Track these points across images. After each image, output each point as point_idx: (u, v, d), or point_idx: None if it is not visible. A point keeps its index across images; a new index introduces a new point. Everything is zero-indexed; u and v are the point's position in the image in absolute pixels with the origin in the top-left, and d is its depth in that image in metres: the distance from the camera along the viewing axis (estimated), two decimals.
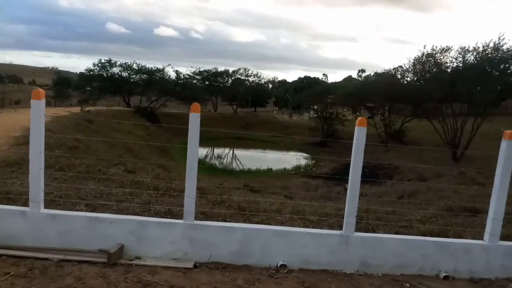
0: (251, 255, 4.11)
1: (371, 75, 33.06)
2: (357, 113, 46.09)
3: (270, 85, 74.28)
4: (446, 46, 22.50)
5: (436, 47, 22.97)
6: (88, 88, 37.71)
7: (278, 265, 4.05)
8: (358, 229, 6.03)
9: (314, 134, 35.82)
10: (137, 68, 35.39)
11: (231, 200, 6.72)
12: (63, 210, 4.53)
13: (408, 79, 27.33)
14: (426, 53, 23.34)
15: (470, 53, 21.11)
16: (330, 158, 25.97)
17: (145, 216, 5.11)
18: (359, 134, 4.10)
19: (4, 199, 5.17)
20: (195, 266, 3.97)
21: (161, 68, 35.36)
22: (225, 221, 5.41)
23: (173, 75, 35.74)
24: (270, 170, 21.92)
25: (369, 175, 22.34)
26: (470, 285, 4.11)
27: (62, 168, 7.34)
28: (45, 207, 4.06)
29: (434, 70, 23.58)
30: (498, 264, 4.24)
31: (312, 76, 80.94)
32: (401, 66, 26.94)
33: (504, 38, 20.72)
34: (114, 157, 10.37)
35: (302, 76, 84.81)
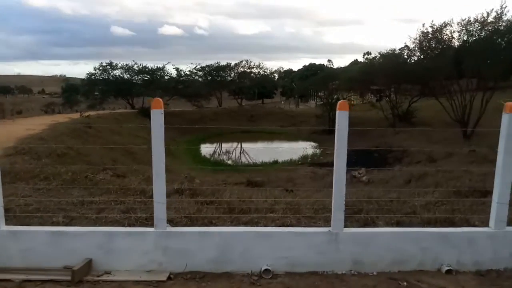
0: (231, 262, 3.75)
1: (377, 57, 32.05)
2: (365, 97, 45.36)
3: (276, 76, 73.56)
4: (445, 22, 21.62)
5: (434, 24, 22.06)
6: (96, 93, 37.58)
7: (262, 270, 3.68)
8: (356, 221, 5.66)
9: (320, 122, 35.21)
10: (138, 69, 35.14)
11: (222, 199, 6.35)
12: (31, 225, 4.23)
13: (415, 58, 26.49)
14: (425, 30, 22.50)
15: (473, 25, 20.23)
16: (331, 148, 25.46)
17: (124, 224, 4.80)
18: (341, 119, 3.70)
19: None
20: (169, 277, 3.62)
21: (161, 66, 35.11)
22: (211, 223, 5.06)
23: (174, 73, 35.49)
24: (276, 162, 21.51)
25: (379, 159, 21.89)
26: (475, 278, 3.69)
27: (47, 177, 7.07)
28: (19, 223, 3.77)
29: (440, 46, 22.74)
30: (507, 253, 3.80)
31: (317, 63, 79.54)
32: (407, 46, 26.04)
33: (506, 7, 19.84)
34: (108, 162, 10.08)
35: (307, 64, 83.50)
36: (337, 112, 3.69)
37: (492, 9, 19.88)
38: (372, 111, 32.19)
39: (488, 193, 7.86)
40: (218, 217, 5.38)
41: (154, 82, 33.88)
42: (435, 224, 5.56)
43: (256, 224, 5.08)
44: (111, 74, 36.19)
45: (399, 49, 27.43)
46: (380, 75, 28.19)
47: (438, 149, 18.58)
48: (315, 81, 37.31)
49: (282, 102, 67.16)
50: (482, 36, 21.10)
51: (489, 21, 19.87)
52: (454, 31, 21.68)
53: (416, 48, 24.55)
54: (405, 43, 37.05)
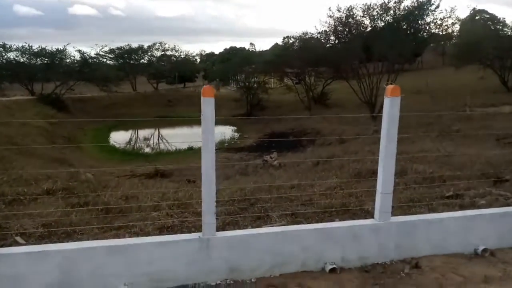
0: (78, 285, 3.03)
1: (295, 41, 32.24)
2: (283, 80, 45.87)
3: (198, 59, 71.77)
4: (351, 6, 22.25)
5: (340, 8, 22.54)
6: None
7: None
8: (250, 215, 5.22)
9: (239, 105, 34.92)
10: (35, 51, 31.51)
11: (101, 198, 5.51)
12: None
13: (331, 42, 27.01)
14: (335, 15, 22.94)
15: (375, 10, 21.05)
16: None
17: None
18: (206, 107, 3.10)
19: None
20: None
21: (61, 48, 31.83)
22: (75, 232, 4.26)
23: (77, 55, 32.47)
24: (191, 148, 20.70)
25: (294, 141, 22.13)
26: (360, 275, 3.39)
27: None
28: None
29: (353, 31, 23.33)
30: (392, 244, 3.56)
31: (239, 46, 78.96)
32: (325, 31, 26.35)
33: None
34: None
35: (228, 47, 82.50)
36: (202, 98, 3.10)
37: None
38: (288, 94, 32.59)
39: None
40: (87, 222, 4.59)
41: (54, 66, 30.62)
42: (331, 213, 5.35)
43: (130, 228, 4.39)
44: (5, 57, 32.12)
45: (318, 33, 27.86)
46: (296, 58, 28.46)
47: (350, 129, 19.23)
48: (232, 64, 36.77)
49: (204, 86, 65.75)
50: (387, 21, 22.06)
51: (389, 6, 20.71)
52: (362, 16, 22.37)
53: (331, 33, 25.04)
54: (315, 26, 37.83)
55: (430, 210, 5.10)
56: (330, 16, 22.75)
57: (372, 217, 3.66)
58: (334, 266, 3.41)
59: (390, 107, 3.40)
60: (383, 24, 22.10)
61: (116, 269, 3.08)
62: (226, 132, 27.09)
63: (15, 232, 3.99)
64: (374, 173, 7.74)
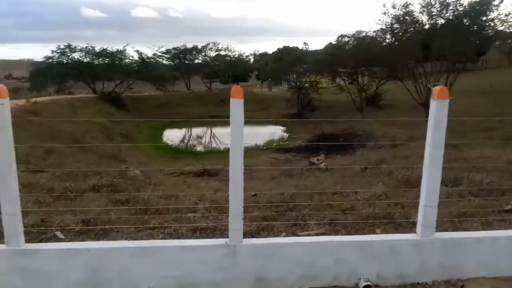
0: (107, 283, 3.06)
1: (349, 40, 31.36)
2: (337, 80, 44.87)
3: (252, 59, 72.54)
4: (407, 2, 21.11)
5: (395, 5, 21.50)
6: (55, 78, 35.36)
7: None
8: (287, 220, 5.06)
9: (290, 105, 34.63)
10: (97, 52, 33.39)
11: (139, 197, 5.61)
12: None
13: (387, 41, 25.95)
14: (394, 13, 21.91)
15: (434, 6, 19.87)
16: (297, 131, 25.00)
17: None
18: (235, 108, 3.00)
19: None
20: None
21: (121, 49, 33.47)
22: (112, 229, 4.35)
23: (135, 56, 34.00)
24: None
25: (343, 144, 21.54)
26: None
27: None
28: None
29: (411, 29, 22.21)
30: (435, 263, 3.25)
31: (292, 46, 78.64)
32: (381, 29, 25.32)
33: None
34: (36, 154, 9.09)
35: (281, 47, 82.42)
36: (231, 100, 2.99)
37: None
38: (340, 94, 31.81)
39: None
40: (125, 220, 4.67)
41: (114, 66, 32.26)
42: (372, 223, 5.05)
43: (164, 228, 4.41)
44: (70, 57, 34.31)
45: (373, 32, 26.87)
46: (349, 57, 27.67)
47: (404, 132, 18.33)
48: (284, 64, 36.54)
49: (258, 85, 66.25)
50: (447, 18, 20.78)
51: (449, 1, 19.46)
52: (421, 12, 21.23)
53: (387, 31, 24.04)
54: (368, 25, 36.50)
55: (484, 225, 4.64)
56: (385, 13, 21.82)
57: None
58: (369, 283, 3.17)
59: (437, 111, 3.11)
60: (442, 21, 20.83)
61: (142, 270, 3.08)
62: (276, 132, 26.96)
63: (56, 228, 4.14)
64: None
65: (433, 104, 3.12)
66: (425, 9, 20.34)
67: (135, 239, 4.12)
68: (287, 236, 4.37)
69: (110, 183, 6.16)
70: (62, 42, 34.93)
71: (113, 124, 23.24)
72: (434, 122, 3.11)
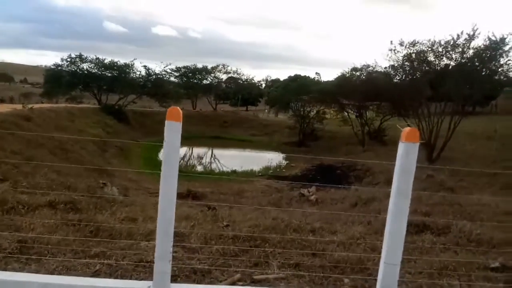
0: None
1: (357, 73, 31.33)
2: (343, 111, 44.63)
3: (263, 84, 73.38)
4: (414, 40, 20.94)
5: (402, 42, 21.31)
6: (61, 86, 35.63)
7: None
8: (248, 260, 4.59)
9: (292, 133, 34.36)
10: (106, 64, 33.62)
11: (97, 218, 5.18)
12: None
13: (399, 77, 25.73)
14: (406, 52, 21.67)
15: (442, 47, 19.66)
16: (297, 156, 24.56)
17: None
18: (171, 132, 2.63)
19: None
20: None
21: (129, 63, 33.65)
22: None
23: (142, 71, 34.19)
24: (234, 172, 20.38)
25: (342, 176, 21.03)
26: None
27: None
28: None
29: (424, 68, 21.97)
30: None
31: (303, 74, 79.46)
32: (392, 66, 25.10)
33: (477, 29, 19.10)
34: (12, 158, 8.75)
35: (293, 75, 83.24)
36: (166, 122, 2.62)
37: (462, 31, 19.23)
38: (343, 126, 31.52)
39: (426, 227, 6.96)
40: (66, 244, 4.24)
41: (120, 79, 32.40)
42: (343, 268, 4.57)
43: (107, 257, 3.96)
44: (79, 67, 34.59)
45: (384, 68, 26.71)
46: (356, 91, 27.47)
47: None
48: (290, 91, 36.51)
49: (266, 110, 66.49)
50: (455, 59, 20.58)
51: (458, 43, 19.26)
52: (427, 51, 21.03)
53: (399, 69, 23.83)
54: (375, 60, 36.42)
55: (464, 283, 4.14)
56: (392, 50, 21.65)
57: None
58: None
59: (405, 154, 2.70)
60: (450, 62, 20.59)
61: None
62: (274, 158, 26.53)
63: None
64: (412, 224, 6.81)
65: (401, 146, 2.72)
66: (431, 48, 20.15)
67: (68, 268, 3.70)
68: (240, 279, 3.93)
69: (70, 200, 5.74)
70: (83, 52, 35.32)
71: (110, 136, 23.00)
72: (401, 167, 2.71)
